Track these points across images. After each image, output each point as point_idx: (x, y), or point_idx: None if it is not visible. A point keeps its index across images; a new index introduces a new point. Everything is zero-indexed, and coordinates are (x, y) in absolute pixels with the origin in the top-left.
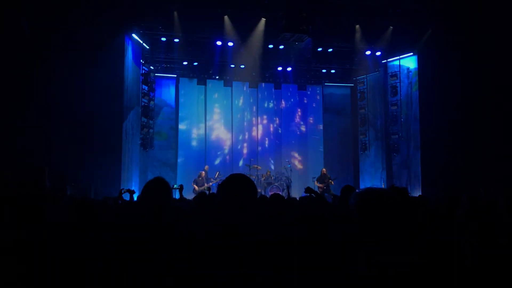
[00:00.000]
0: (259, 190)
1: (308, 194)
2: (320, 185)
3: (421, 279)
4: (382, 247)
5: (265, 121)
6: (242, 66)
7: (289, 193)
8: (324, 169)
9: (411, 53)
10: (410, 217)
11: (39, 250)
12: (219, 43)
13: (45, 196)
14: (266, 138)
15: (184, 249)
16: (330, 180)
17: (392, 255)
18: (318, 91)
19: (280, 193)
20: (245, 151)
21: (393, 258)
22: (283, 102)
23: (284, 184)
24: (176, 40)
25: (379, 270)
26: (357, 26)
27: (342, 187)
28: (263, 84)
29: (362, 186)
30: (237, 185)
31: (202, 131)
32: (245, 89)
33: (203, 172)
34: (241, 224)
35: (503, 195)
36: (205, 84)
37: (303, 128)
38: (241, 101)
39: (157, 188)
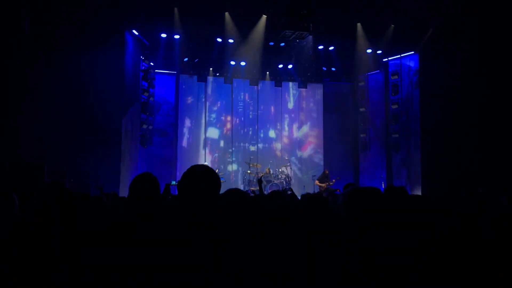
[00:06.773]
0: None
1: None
2: (321, 184)
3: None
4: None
5: (265, 119)
6: (243, 63)
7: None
8: (326, 171)
9: (412, 52)
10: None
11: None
12: (219, 40)
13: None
14: (266, 136)
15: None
16: (329, 182)
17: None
18: (318, 89)
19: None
20: (245, 148)
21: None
22: (283, 100)
23: (284, 182)
24: (177, 36)
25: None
26: (359, 24)
27: (344, 185)
28: (263, 81)
29: (362, 185)
30: (195, 177)
31: (201, 128)
32: (245, 86)
33: None
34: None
35: (503, 193)
36: (205, 81)
37: (303, 126)
38: (241, 98)
39: (145, 184)
